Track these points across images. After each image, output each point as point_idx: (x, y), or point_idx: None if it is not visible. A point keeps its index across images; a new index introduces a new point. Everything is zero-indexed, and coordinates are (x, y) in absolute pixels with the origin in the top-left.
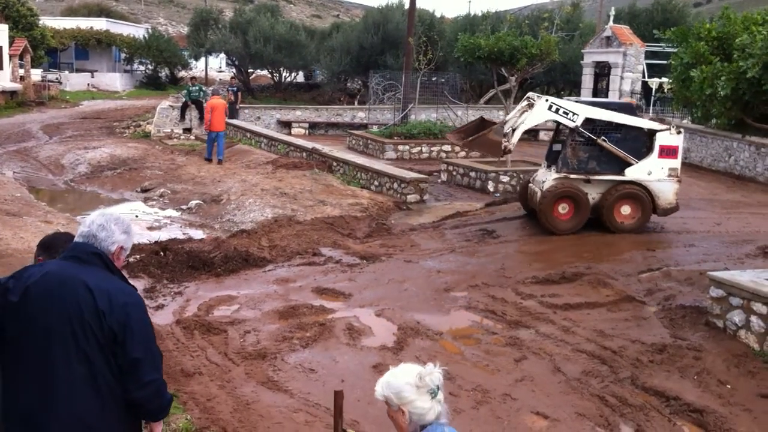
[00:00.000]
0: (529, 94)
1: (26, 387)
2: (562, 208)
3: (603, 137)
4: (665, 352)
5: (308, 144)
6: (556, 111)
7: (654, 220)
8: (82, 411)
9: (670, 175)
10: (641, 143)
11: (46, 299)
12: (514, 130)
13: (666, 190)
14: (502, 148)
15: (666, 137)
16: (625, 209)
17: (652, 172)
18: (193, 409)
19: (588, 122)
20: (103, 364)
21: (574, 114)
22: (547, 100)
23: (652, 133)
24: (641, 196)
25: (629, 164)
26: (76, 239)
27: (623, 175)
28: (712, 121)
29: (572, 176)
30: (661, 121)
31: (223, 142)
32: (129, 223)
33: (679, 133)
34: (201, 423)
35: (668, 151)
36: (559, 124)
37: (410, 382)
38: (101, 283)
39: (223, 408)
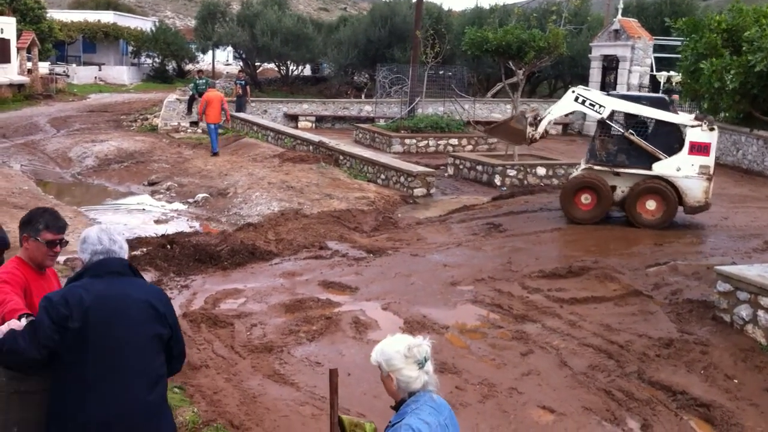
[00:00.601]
0: (574, 87)
1: (99, 398)
2: (585, 199)
3: (631, 131)
4: (672, 346)
5: (315, 137)
6: (583, 102)
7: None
8: (154, 406)
9: (700, 173)
10: (673, 138)
11: (111, 319)
12: (540, 120)
13: (695, 188)
14: (528, 136)
15: (698, 133)
16: (650, 204)
17: (681, 168)
18: (200, 402)
19: (627, 117)
20: (162, 358)
21: (600, 106)
22: (573, 91)
23: (683, 129)
24: (666, 192)
25: (658, 159)
26: (94, 257)
27: (650, 170)
28: (721, 115)
29: (597, 168)
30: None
31: (216, 134)
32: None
33: (712, 129)
34: (207, 416)
35: (699, 148)
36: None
37: (400, 351)
38: (148, 290)
39: (229, 401)
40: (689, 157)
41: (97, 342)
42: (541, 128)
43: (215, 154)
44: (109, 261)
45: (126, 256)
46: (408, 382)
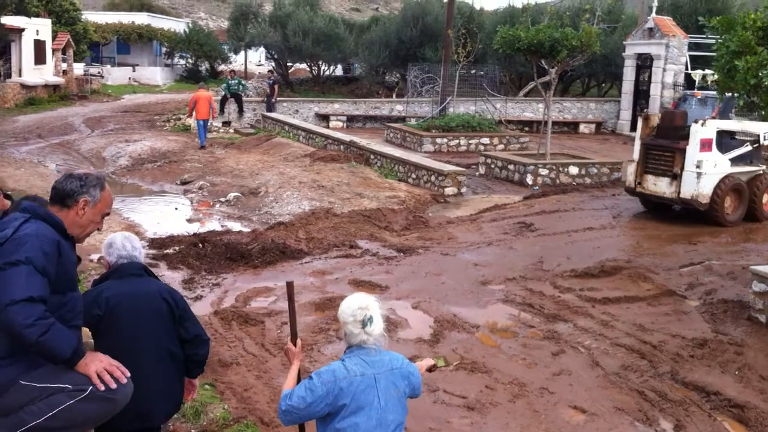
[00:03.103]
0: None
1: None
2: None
3: None
4: (706, 346)
5: (346, 137)
6: None
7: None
8: (168, 380)
9: None
10: None
11: (133, 312)
12: None
13: None
14: None
15: None
16: None
17: None
18: (231, 399)
19: None
20: (176, 342)
21: None
22: None
23: None
24: None
25: None
26: (120, 261)
27: None
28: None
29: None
30: None
31: (204, 130)
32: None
33: None
34: (238, 413)
35: None
36: None
37: (350, 308)
38: (159, 287)
39: (260, 398)
40: None
41: (119, 331)
42: None
43: (202, 147)
44: (131, 265)
45: (142, 260)
46: (349, 335)
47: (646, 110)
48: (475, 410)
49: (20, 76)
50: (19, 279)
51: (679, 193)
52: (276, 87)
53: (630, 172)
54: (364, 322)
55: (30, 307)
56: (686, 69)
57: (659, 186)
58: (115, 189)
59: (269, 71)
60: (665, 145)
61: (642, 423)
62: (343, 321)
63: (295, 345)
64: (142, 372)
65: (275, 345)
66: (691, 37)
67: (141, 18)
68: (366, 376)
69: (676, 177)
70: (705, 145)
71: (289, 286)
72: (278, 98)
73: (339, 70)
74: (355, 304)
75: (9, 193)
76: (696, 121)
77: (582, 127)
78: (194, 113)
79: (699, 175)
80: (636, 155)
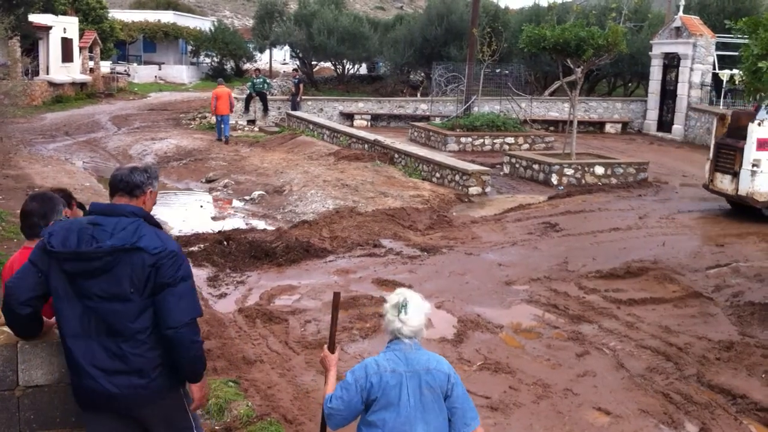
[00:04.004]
0: None
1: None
2: None
3: None
4: (733, 349)
5: (370, 136)
6: None
7: (716, 211)
8: None
9: None
10: None
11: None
12: None
13: None
14: None
15: None
16: None
17: None
18: (254, 396)
19: None
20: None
21: None
22: None
23: None
24: None
25: None
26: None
27: None
28: None
29: None
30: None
31: (227, 125)
32: None
33: None
34: (261, 410)
35: None
36: None
37: (392, 296)
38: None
39: (283, 396)
40: None
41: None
42: None
43: (219, 140)
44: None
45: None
46: (386, 324)
47: (729, 110)
48: (498, 411)
49: (48, 73)
50: (190, 295)
51: (737, 190)
52: (301, 86)
53: (706, 170)
54: (399, 308)
55: (196, 323)
56: (714, 69)
57: (724, 183)
58: None
59: (294, 70)
60: (730, 144)
61: (667, 426)
62: (384, 310)
63: (332, 353)
64: None
65: (299, 343)
66: (718, 37)
67: (167, 16)
68: (396, 372)
69: (735, 175)
70: (762, 144)
71: (336, 296)
72: (303, 97)
73: (363, 69)
74: (396, 293)
75: (81, 202)
76: (753, 121)
77: (608, 127)
78: (215, 110)
79: (754, 173)
80: (711, 154)
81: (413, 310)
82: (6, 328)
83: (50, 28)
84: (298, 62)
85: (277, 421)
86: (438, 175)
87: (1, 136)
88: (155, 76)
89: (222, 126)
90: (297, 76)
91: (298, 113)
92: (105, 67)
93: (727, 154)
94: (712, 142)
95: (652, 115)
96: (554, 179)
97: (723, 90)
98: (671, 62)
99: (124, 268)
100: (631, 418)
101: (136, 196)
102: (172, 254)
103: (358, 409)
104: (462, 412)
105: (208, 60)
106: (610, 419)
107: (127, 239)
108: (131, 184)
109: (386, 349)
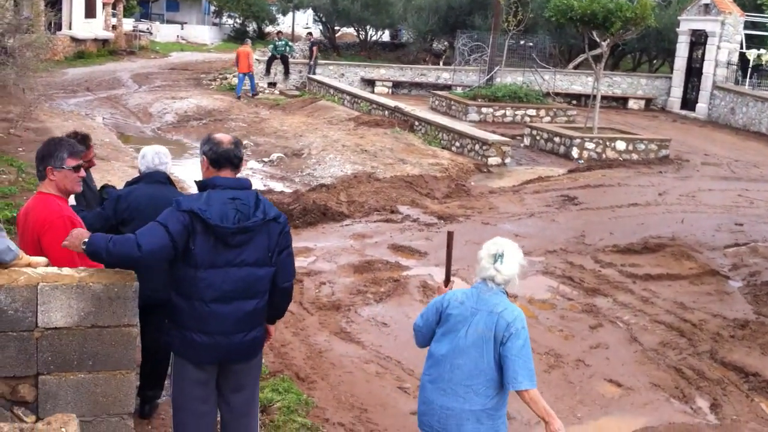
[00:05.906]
0: None
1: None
2: None
3: None
4: (747, 328)
5: (391, 102)
6: None
7: (742, 197)
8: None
9: None
10: None
11: (153, 211)
12: None
13: None
14: None
15: None
16: None
17: None
18: (268, 354)
19: None
20: None
21: None
22: None
23: None
24: None
25: None
26: (148, 170)
27: None
28: None
29: None
30: None
31: (253, 82)
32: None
33: None
34: (275, 367)
35: None
36: None
37: (488, 244)
38: (176, 195)
39: (296, 354)
40: None
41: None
42: None
43: (253, 94)
44: (157, 173)
45: (168, 172)
46: (480, 270)
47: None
48: None
49: (70, 29)
50: (293, 254)
51: None
52: (314, 49)
53: None
54: (496, 257)
55: None
56: (741, 48)
57: None
58: (160, 144)
59: (308, 33)
60: None
61: (678, 400)
62: (480, 257)
63: (446, 286)
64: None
65: (313, 304)
66: (747, 15)
67: None
68: (465, 306)
69: None
70: None
71: (450, 235)
72: (322, 61)
73: (386, 36)
74: (494, 241)
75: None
76: None
77: (631, 103)
78: (237, 67)
79: None
80: None
81: (508, 260)
82: (28, 269)
83: None
84: (320, 27)
85: (289, 378)
86: (458, 144)
87: (23, 88)
88: (177, 36)
89: (247, 83)
90: (312, 40)
91: (319, 77)
92: (127, 24)
93: None
94: None
95: (677, 92)
96: (575, 153)
97: (749, 69)
98: (698, 39)
99: (263, 237)
100: (642, 391)
101: (239, 168)
102: (286, 222)
103: (433, 322)
104: (513, 365)
105: (230, 21)
106: (621, 391)
107: (271, 211)
108: (240, 158)
109: (472, 287)
